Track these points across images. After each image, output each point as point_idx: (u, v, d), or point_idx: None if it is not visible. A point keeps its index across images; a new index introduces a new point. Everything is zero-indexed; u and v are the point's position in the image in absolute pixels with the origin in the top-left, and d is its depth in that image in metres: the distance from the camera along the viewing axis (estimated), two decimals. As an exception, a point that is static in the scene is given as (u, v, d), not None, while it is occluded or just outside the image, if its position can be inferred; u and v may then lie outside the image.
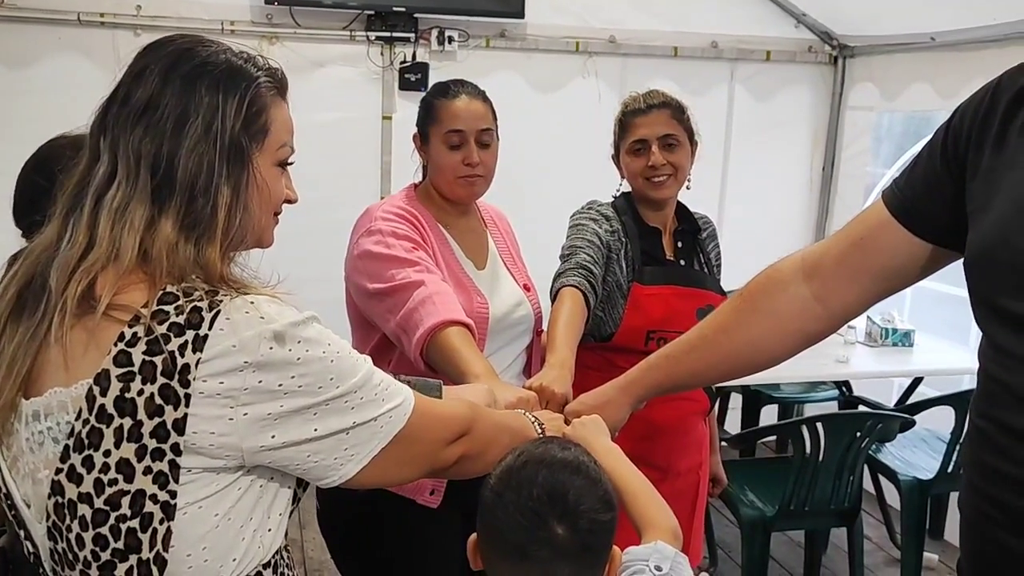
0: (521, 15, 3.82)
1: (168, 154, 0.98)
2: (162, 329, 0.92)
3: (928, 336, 3.73)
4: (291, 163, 1.11)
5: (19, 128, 3.32)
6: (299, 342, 0.95)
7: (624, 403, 1.53)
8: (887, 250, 1.24)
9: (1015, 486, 1.04)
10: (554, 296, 1.87)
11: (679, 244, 2.09)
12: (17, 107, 3.42)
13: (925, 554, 3.15)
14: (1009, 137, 1.09)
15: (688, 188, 2.07)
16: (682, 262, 2.08)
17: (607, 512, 1.07)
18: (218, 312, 0.93)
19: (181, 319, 0.92)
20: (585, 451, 1.15)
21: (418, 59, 3.83)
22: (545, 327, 1.92)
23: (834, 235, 1.35)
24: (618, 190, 2.10)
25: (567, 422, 1.45)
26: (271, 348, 0.93)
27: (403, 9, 3.72)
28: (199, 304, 0.93)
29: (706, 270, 2.12)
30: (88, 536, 0.95)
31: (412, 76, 3.81)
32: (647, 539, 1.18)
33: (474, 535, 1.11)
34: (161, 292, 0.95)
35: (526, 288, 1.96)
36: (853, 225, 1.31)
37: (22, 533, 1.04)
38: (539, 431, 1.33)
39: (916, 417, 2.92)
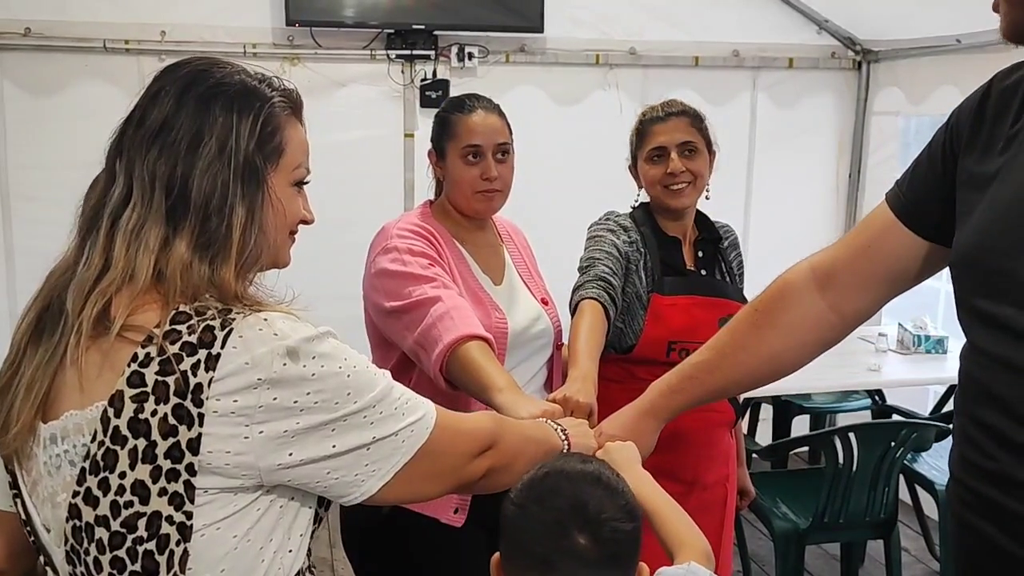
0: (540, 29, 3.82)
1: (182, 174, 0.98)
2: (175, 349, 0.92)
3: (962, 342, 3.64)
4: (307, 182, 1.10)
5: (47, 155, 3.41)
6: (313, 358, 0.94)
7: (653, 429, 1.54)
8: (894, 253, 1.29)
9: (987, 476, 1.09)
10: (573, 309, 1.85)
11: (700, 254, 2.06)
12: (45, 134, 3.47)
13: (965, 566, 3.07)
14: (994, 145, 1.11)
15: (708, 198, 2.04)
16: (703, 272, 2.05)
17: (629, 522, 1.06)
18: (231, 330, 0.92)
19: (193, 338, 0.92)
20: (606, 464, 1.15)
21: (439, 76, 3.84)
22: (564, 340, 1.90)
23: (841, 241, 1.40)
24: (636, 200, 2.08)
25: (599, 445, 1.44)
26: (285, 364, 0.92)
27: (423, 27, 3.73)
28: (211, 323, 0.93)
29: (728, 279, 2.08)
30: (105, 559, 0.95)
31: (433, 93, 3.83)
32: (680, 560, 1.17)
33: (496, 554, 1.10)
34: (174, 312, 0.94)
35: (544, 302, 1.95)
36: (860, 231, 1.36)
37: (42, 559, 1.04)
38: (563, 438, 1.32)
39: (952, 425, 2.85)
